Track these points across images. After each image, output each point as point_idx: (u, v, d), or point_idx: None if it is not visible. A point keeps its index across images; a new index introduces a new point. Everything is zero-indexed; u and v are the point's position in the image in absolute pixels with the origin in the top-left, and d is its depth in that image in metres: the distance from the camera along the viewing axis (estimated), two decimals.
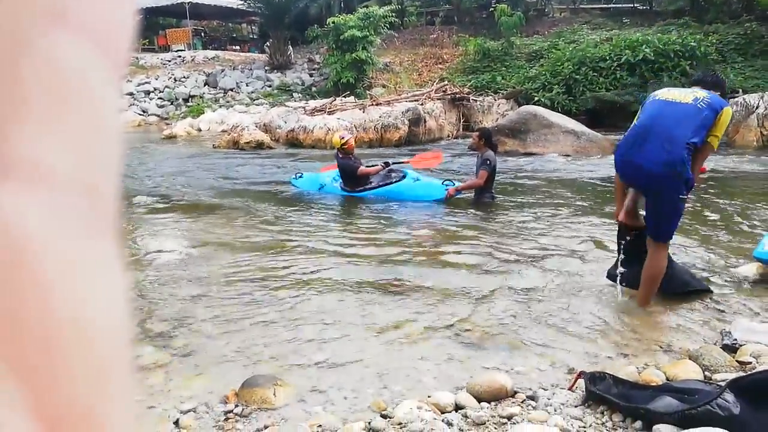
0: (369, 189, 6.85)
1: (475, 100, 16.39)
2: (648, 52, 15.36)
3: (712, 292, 3.55)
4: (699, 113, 3.03)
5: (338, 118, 13.50)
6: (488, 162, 6.32)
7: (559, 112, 13.57)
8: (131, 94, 20.96)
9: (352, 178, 6.90)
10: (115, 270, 0.16)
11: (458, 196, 6.53)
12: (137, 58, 25.10)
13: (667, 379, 2.48)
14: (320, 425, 2.15)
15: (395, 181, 6.79)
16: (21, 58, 0.15)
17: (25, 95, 0.15)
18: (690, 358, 2.68)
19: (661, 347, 2.94)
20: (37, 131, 0.15)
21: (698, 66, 14.85)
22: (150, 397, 2.45)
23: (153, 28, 31.92)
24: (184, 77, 22.28)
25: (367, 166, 7.03)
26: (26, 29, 0.15)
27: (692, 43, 15.33)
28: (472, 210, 6.20)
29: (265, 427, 2.18)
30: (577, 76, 16.03)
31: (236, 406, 2.34)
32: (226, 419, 2.26)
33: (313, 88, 22.00)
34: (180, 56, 25.68)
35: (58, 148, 0.15)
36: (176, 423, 2.20)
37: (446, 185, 6.58)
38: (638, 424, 2.11)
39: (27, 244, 0.14)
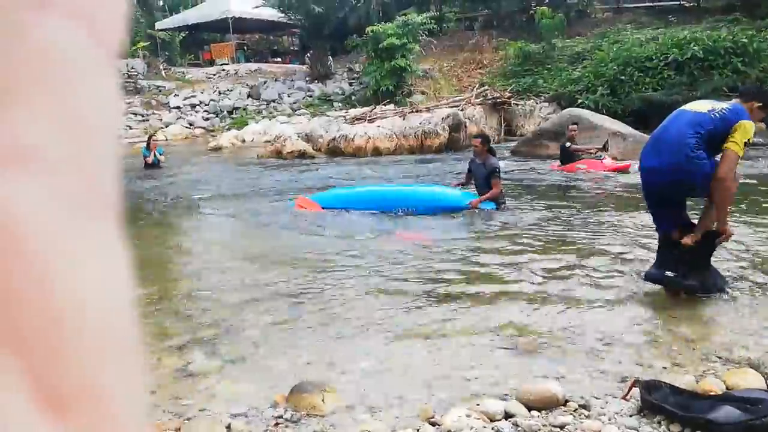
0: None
1: (517, 104, 16.21)
2: (697, 50, 14.86)
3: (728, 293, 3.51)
4: (709, 122, 3.17)
5: (378, 126, 13.58)
6: (497, 170, 6.34)
7: (603, 114, 13.28)
8: (178, 107, 21.63)
9: None
10: (116, 250, 0.16)
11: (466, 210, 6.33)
12: (184, 73, 25.94)
13: (727, 388, 2.38)
14: None
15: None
16: (11, 42, 0.15)
17: (17, 80, 0.15)
18: (751, 367, 2.56)
19: (718, 356, 2.82)
20: (30, 116, 0.15)
21: (751, 63, 14.28)
22: (202, 401, 2.51)
23: (198, 44, 32.94)
24: (228, 90, 22.86)
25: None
26: (16, 13, 0.15)
27: (744, 40, 14.75)
28: (504, 218, 6.11)
29: None
30: (622, 77, 15.64)
31: (286, 411, 2.37)
32: (276, 424, 2.29)
33: (353, 97, 22.20)
34: (224, 70, 26.37)
35: (52, 132, 0.15)
36: (228, 427, 2.25)
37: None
38: None
39: (23, 225, 0.14)
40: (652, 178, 3.38)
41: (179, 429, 2.23)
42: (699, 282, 3.43)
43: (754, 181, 7.25)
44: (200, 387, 2.67)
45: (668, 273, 3.42)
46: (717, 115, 3.19)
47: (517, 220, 5.93)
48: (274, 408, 2.41)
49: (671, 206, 3.35)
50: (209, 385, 2.69)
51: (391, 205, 6.53)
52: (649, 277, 3.61)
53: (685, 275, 3.40)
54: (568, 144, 9.62)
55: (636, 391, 2.32)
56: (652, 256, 4.39)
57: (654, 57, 15.57)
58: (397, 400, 2.49)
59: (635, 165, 7.72)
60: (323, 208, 6.69)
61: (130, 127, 19.82)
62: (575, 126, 9.98)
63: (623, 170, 8.63)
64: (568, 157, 9.50)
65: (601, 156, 9.36)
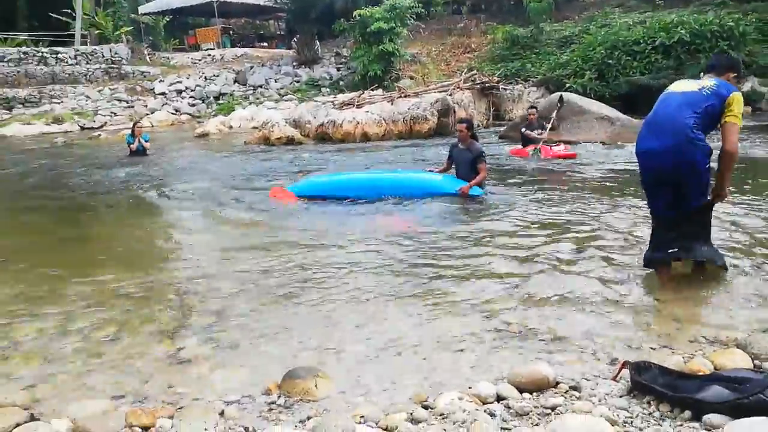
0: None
1: (505, 89, 16.18)
2: (684, 34, 14.90)
3: (727, 269, 3.52)
4: (704, 100, 3.18)
5: (367, 111, 13.50)
6: (483, 154, 6.37)
7: (591, 98, 13.30)
8: (164, 93, 21.34)
9: None
10: None
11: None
12: (168, 58, 25.56)
13: (715, 368, 2.41)
14: (362, 416, 2.16)
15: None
16: None
17: None
18: (738, 347, 2.60)
19: (706, 337, 2.86)
20: None
21: (737, 46, 14.34)
22: (195, 389, 2.50)
23: (183, 28, 32.44)
24: (214, 76, 22.59)
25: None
26: None
27: (730, 23, 14.80)
28: (493, 202, 6.11)
29: (308, 418, 2.21)
30: (610, 61, 15.65)
31: (279, 397, 2.38)
32: (270, 410, 2.29)
33: (341, 82, 22.05)
34: (210, 55, 26.03)
35: None
36: (221, 414, 2.25)
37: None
38: (687, 414, 2.06)
39: None
40: (651, 162, 3.35)
41: (172, 417, 2.22)
42: (710, 252, 3.43)
43: (743, 165, 7.32)
44: (193, 375, 2.67)
45: (671, 250, 3.41)
46: (708, 92, 3.18)
47: (507, 205, 5.94)
48: (267, 394, 2.41)
49: (669, 188, 3.33)
50: (201, 372, 2.69)
51: (373, 192, 6.38)
52: (651, 261, 3.56)
53: (689, 249, 3.37)
54: (524, 129, 9.88)
55: (626, 372, 2.34)
56: (644, 239, 4.44)
57: (641, 41, 15.59)
58: (389, 384, 2.50)
59: (584, 154, 7.73)
60: (299, 197, 6.54)
61: (115, 114, 19.55)
62: (534, 110, 10.21)
63: (569, 158, 8.92)
64: (525, 141, 9.74)
65: (554, 141, 9.66)
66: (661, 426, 2.02)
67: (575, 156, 8.93)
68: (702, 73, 3.50)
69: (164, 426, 2.13)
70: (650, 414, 2.11)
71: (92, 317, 3.34)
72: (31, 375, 2.68)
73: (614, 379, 2.39)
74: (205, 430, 2.10)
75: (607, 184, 6.95)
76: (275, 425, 2.15)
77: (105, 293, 3.75)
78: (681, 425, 2.02)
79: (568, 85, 15.61)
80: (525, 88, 16.88)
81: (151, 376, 2.65)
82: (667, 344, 2.80)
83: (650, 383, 2.21)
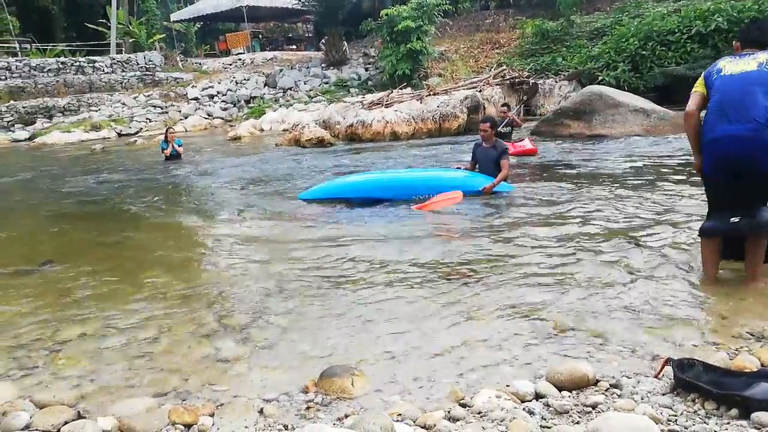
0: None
1: (536, 84, 15.97)
2: (721, 22, 14.46)
3: None
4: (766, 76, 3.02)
5: (396, 111, 13.50)
6: (506, 150, 6.44)
7: (625, 90, 13.03)
8: (196, 98, 21.76)
9: None
10: None
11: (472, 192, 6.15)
12: (200, 64, 26.04)
13: (762, 365, 2.34)
14: (400, 414, 2.16)
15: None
16: None
17: None
18: None
19: (751, 332, 2.78)
20: None
21: None
22: (234, 387, 2.54)
23: (214, 34, 33.04)
24: (244, 80, 22.92)
25: None
26: None
27: None
28: (525, 198, 6.04)
29: (346, 416, 2.22)
30: (644, 52, 15.31)
31: (316, 395, 2.40)
32: (308, 408, 2.31)
33: (370, 82, 22.10)
34: (240, 59, 26.46)
35: None
36: (261, 411, 2.28)
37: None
38: (734, 412, 2.00)
39: None
40: (727, 147, 3.12)
41: (213, 414, 2.26)
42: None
43: None
44: (231, 373, 2.71)
45: (734, 219, 3.22)
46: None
47: (539, 201, 5.87)
48: (305, 393, 2.43)
49: (741, 177, 3.14)
50: (240, 371, 2.73)
51: (398, 192, 6.28)
52: (709, 231, 3.36)
53: (754, 216, 3.15)
54: (500, 127, 9.94)
55: (668, 369, 2.29)
56: (683, 232, 4.33)
57: (676, 30, 15.19)
58: (425, 383, 2.50)
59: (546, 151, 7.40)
60: (318, 200, 6.45)
61: (150, 120, 20.02)
62: (505, 108, 10.47)
63: (530, 154, 9.06)
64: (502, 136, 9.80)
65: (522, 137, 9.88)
66: (707, 424, 1.97)
67: (535, 152, 9.07)
68: (739, 48, 3.30)
69: (206, 424, 2.17)
70: (695, 412, 2.06)
71: (134, 318, 3.43)
72: (77, 374, 2.76)
73: (656, 376, 2.33)
74: (246, 427, 2.13)
75: (647, 173, 6.79)
76: (313, 423, 2.16)
77: (145, 295, 3.85)
78: (728, 423, 1.97)
79: (600, 78, 15.32)
80: (556, 82, 16.64)
81: (191, 375, 2.70)
82: (711, 340, 2.72)
83: (695, 380, 2.15)
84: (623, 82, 14.88)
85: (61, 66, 22.69)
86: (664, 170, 7.03)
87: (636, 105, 10.93)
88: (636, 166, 7.49)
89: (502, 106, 10.95)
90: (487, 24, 24.60)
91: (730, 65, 3.20)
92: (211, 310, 3.54)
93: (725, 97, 3.13)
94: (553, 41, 19.60)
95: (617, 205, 5.45)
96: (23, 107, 20.14)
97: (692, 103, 3.30)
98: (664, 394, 2.20)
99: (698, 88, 3.32)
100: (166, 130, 12.10)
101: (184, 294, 3.85)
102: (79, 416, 2.27)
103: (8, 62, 22.16)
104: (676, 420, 2.01)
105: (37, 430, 2.12)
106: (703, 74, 3.36)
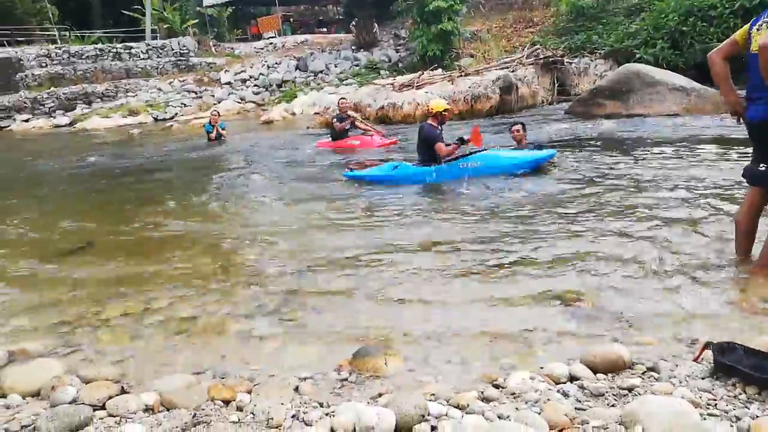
0: (452, 160, 6.44)
1: (570, 63, 15.59)
2: None
3: None
4: None
5: (426, 92, 13.36)
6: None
7: (664, 68, 12.61)
8: (229, 83, 21.95)
9: (430, 151, 6.44)
10: None
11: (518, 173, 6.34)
12: (233, 49, 26.23)
13: None
14: (433, 394, 2.18)
15: (478, 151, 6.38)
16: None
17: None
18: None
19: None
20: None
21: None
22: (270, 366, 2.60)
23: (245, 18, 33.17)
24: (276, 63, 22.98)
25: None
26: None
27: None
28: (558, 179, 5.96)
29: (379, 395, 2.24)
30: (684, 28, 14.74)
31: (350, 374, 2.43)
32: (342, 386, 2.35)
33: (400, 64, 21.90)
34: (271, 43, 26.50)
35: None
36: (296, 389, 2.32)
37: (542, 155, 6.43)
38: None
39: None
40: None
41: (251, 392, 2.32)
42: None
43: None
44: (267, 352, 2.77)
45: (762, 167, 3.08)
46: None
47: (573, 184, 5.76)
48: (339, 371, 2.47)
49: None
50: (275, 350, 2.78)
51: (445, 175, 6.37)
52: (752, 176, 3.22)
53: None
54: (335, 120, 9.97)
55: (708, 353, 2.24)
56: (719, 216, 4.21)
57: (719, 5, 14.55)
58: (458, 364, 2.50)
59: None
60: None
61: (185, 105, 20.31)
62: (344, 100, 10.59)
63: (391, 145, 9.29)
64: (340, 134, 9.85)
65: (370, 133, 9.91)
66: (748, 409, 1.92)
67: (396, 142, 9.30)
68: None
69: (244, 400, 2.23)
70: (735, 396, 2.01)
71: (173, 297, 3.52)
72: (120, 351, 2.86)
73: (695, 360, 2.29)
74: (282, 404, 2.18)
75: (689, 158, 6.59)
76: (348, 401, 2.20)
77: (184, 275, 3.94)
78: None
79: (638, 55, 14.85)
80: (591, 61, 16.21)
81: (228, 353, 2.77)
82: (754, 324, 2.65)
83: (735, 364, 2.10)
84: (662, 60, 14.39)
85: (98, 53, 23.20)
86: (705, 150, 6.80)
87: (675, 83, 10.58)
88: (678, 147, 7.27)
89: (341, 99, 10.93)
90: (520, 2, 24.05)
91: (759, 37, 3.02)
92: (247, 290, 3.61)
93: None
94: (589, 18, 19.04)
95: (658, 188, 5.31)
96: (63, 93, 20.69)
97: (717, 49, 3.19)
98: (703, 378, 2.16)
99: (737, 36, 3.19)
100: (211, 114, 12.39)
101: (221, 274, 3.93)
102: (123, 391, 2.36)
103: (48, 50, 22.78)
104: (716, 404, 1.97)
105: (83, 403, 2.21)
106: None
